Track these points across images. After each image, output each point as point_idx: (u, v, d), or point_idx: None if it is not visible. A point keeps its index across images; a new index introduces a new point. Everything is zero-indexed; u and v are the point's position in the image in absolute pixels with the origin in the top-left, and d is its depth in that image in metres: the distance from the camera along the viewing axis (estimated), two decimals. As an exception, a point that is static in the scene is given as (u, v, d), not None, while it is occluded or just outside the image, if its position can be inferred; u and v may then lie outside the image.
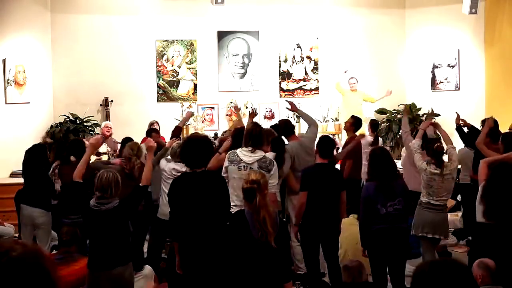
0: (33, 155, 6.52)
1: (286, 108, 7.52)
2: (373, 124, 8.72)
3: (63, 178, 6.28)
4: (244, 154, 5.15)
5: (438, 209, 5.79)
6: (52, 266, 1.77)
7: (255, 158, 5.11)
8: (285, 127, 6.78)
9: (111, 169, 4.56)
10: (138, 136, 8.69)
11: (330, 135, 8.46)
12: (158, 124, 9.30)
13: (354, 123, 7.93)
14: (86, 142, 7.47)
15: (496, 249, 5.05)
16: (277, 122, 7.26)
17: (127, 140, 6.75)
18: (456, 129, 7.45)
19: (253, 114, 7.07)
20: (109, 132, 9.17)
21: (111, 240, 4.39)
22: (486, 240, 5.20)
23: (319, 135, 6.42)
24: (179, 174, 5.87)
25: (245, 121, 10.33)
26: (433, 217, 5.75)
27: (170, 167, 6.01)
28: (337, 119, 11.14)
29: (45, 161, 6.53)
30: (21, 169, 6.89)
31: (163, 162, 6.08)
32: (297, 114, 10.96)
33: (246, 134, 5.33)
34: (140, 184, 4.66)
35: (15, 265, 1.59)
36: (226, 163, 5.18)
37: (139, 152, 6.08)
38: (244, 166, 5.11)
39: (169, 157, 6.15)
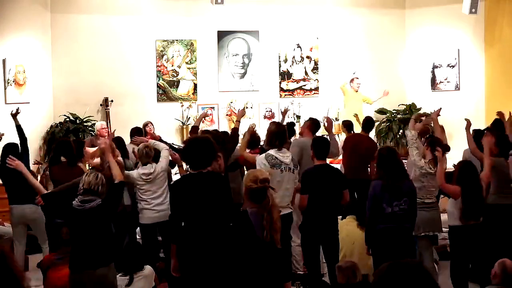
0: (6, 154, 6.48)
1: (324, 125, 7.54)
2: (347, 125, 9.05)
3: (55, 178, 6.28)
4: (280, 155, 5.18)
5: (432, 206, 5.84)
6: (13, 262, 1.80)
7: (290, 156, 5.17)
8: (289, 128, 6.77)
9: (93, 171, 4.54)
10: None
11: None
12: (153, 125, 9.35)
13: (365, 126, 8.27)
14: (87, 149, 7.45)
15: (470, 250, 5.08)
16: (286, 124, 7.24)
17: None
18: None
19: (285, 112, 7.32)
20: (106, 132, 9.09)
21: (95, 240, 4.36)
22: (461, 241, 5.22)
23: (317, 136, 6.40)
24: (149, 176, 6.01)
25: (245, 121, 10.35)
26: (429, 215, 5.79)
27: (138, 173, 6.12)
28: (337, 119, 11.11)
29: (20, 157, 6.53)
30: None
31: (133, 173, 6.17)
32: (297, 119, 11.03)
33: (272, 134, 5.32)
34: (115, 182, 4.60)
35: None
36: (264, 166, 5.07)
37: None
38: (284, 167, 5.11)
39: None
